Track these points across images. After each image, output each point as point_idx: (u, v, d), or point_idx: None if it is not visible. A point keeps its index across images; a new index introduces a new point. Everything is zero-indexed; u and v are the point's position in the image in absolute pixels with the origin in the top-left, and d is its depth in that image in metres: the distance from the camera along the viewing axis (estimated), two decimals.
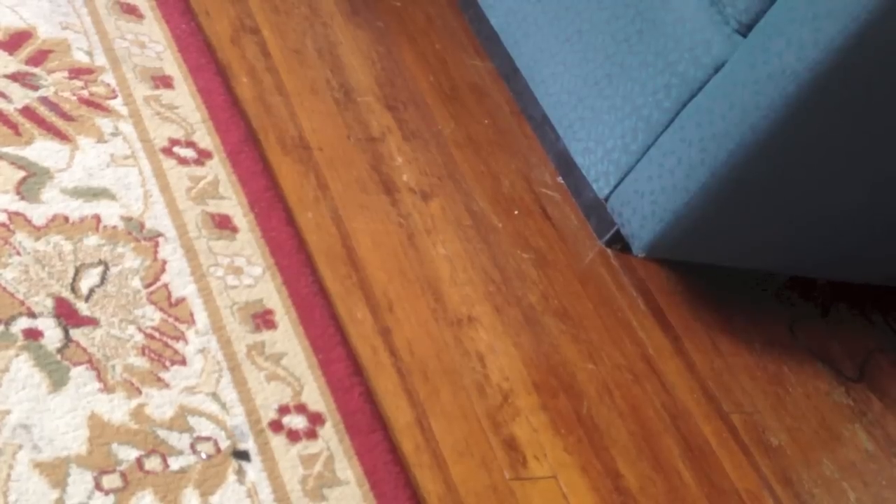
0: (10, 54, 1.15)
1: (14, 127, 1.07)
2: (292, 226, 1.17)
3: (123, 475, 0.85)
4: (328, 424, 1.00)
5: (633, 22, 1.38)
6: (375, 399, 1.06)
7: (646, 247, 1.37)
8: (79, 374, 0.90)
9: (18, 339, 0.90)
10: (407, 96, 1.51)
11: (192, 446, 0.91)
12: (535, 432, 1.15)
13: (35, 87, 1.14)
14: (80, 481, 0.83)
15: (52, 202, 1.03)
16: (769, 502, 1.27)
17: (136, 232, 1.06)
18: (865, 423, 1.51)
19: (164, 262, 1.04)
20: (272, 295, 1.08)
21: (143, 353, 0.95)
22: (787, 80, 1.16)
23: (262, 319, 1.05)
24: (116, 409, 0.90)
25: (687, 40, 1.30)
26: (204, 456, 0.90)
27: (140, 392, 0.92)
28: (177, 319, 1.00)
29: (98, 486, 0.83)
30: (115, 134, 1.15)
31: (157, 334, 0.98)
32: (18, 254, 0.96)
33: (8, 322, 0.90)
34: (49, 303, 0.94)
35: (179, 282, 1.04)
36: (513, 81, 1.66)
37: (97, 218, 1.04)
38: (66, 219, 1.02)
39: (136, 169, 1.12)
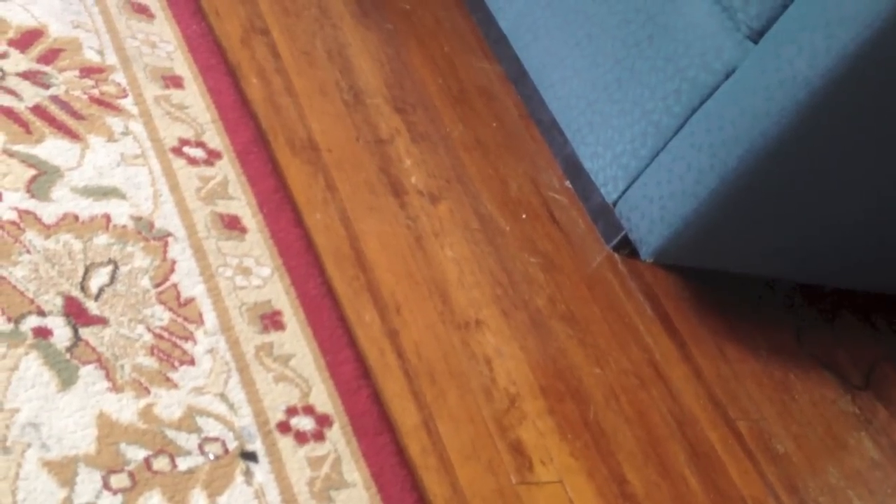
0: (22, 52, 1.15)
1: (25, 125, 1.07)
2: (301, 227, 1.17)
3: (131, 475, 0.85)
4: (336, 426, 0.99)
5: (643, 27, 1.38)
6: (383, 401, 1.06)
7: (654, 252, 1.37)
8: (88, 373, 0.90)
9: (28, 337, 0.90)
10: (415, 99, 1.51)
11: (201, 447, 0.90)
12: (541, 436, 1.15)
13: (46, 86, 1.14)
14: (88, 480, 0.83)
15: (62, 201, 1.03)
16: None
17: (146, 231, 1.06)
18: (871, 431, 1.50)
19: (174, 262, 1.04)
20: (280, 296, 1.08)
21: (152, 353, 0.95)
22: (799, 88, 1.16)
23: (271, 320, 1.05)
24: (125, 408, 0.90)
25: (698, 46, 1.29)
26: (212, 457, 0.90)
27: (149, 392, 0.92)
28: (185, 319, 1.00)
29: (106, 486, 0.83)
30: (126, 133, 1.15)
31: (165, 334, 0.97)
32: (28, 252, 0.96)
33: (18, 320, 0.90)
34: (59, 301, 0.94)
35: (188, 282, 1.04)
36: (521, 85, 1.65)
37: (107, 217, 1.04)
38: (76, 217, 1.02)
39: (146, 168, 1.12)
